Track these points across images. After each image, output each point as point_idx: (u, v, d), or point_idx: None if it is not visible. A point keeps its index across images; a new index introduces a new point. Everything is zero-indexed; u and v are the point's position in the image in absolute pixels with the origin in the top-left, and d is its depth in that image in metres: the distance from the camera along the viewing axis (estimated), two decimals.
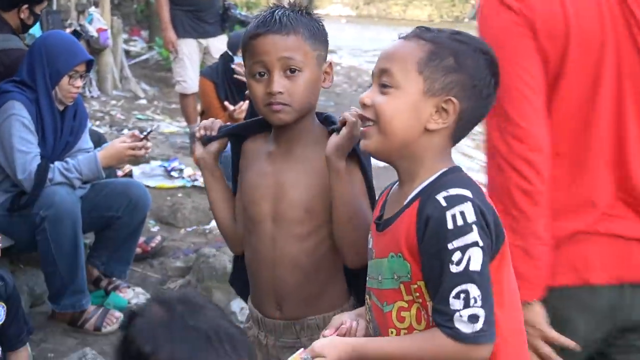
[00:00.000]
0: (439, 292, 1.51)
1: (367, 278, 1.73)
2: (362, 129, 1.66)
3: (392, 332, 1.62)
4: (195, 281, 4.06)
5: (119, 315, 3.68)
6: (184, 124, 7.19)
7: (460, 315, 1.49)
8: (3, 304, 2.57)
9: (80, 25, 7.22)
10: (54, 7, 7.08)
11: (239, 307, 3.70)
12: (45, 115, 3.53)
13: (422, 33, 1.63)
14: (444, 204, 1.51)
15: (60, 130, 3.61)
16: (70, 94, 3.59)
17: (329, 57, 2.04)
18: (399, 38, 1.66)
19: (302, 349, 1.62)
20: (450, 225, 1.49)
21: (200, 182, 5.64)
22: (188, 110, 6.72)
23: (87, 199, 3.64)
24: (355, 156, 1.95)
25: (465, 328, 1.49)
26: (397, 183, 1.71)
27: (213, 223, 5.12)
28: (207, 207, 5.26)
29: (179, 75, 6.62)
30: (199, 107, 6.83)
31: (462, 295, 1.48)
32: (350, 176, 1.93)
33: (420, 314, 1.58)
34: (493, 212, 1.55)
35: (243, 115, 5.33)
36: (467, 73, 1.58)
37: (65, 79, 3.55)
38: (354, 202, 1.92)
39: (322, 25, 2.01)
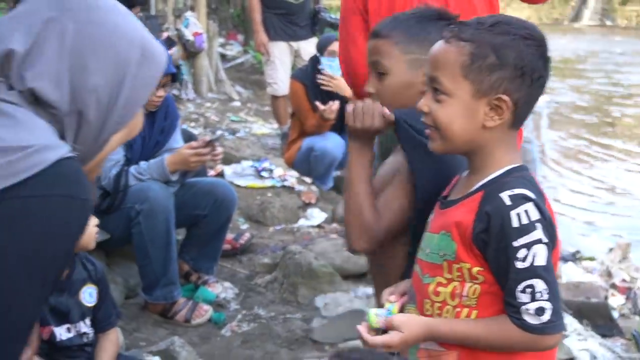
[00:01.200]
0: (506, 286, 1.58)
1: (419, 249, 1.80)
2: (427, 131, 1.71)
3: (426, 303, 1.70)
4: (281, 277, 4.15)
5: (207, 308, 3.79)
6: (276, 125, 7.32)
7: (527, 309, 1.56)
8: (95, 286, 2.71)
9: (177, 29, 7.46)
10: (152, 12, 7.35)
11: (323, 303, 3.77)
12: None
13: (460, 32, 1.64)
14: (508, 202, 1.56)
15: (149, 131, 3.76)
16: (152, 103, 3.71)
17: None
18: (441, 39, 1.68)
19: (383, 309, 1.73)
20: (515, 224, 1.54)
21: (289, 182, 5.74)
22: (279, 112, 6.83)
23: (177, 197, 3.76)
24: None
25: (532, 320, 1.56)
26: (468, 169, 1.76)
27: (300, 222, 5.22)
28: (295, 207, 5.37)
29: (270, 77, 6.74)
30: (289, 109, 6.96)
31: (529, 290, 1.55)
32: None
33: (455, 292, 1.65)
34: (550, 214, 1.60)
35: (333, 115, 5.43)
36: (511, 66, 1.60)
37: None
38: (355, 184, 1.96)
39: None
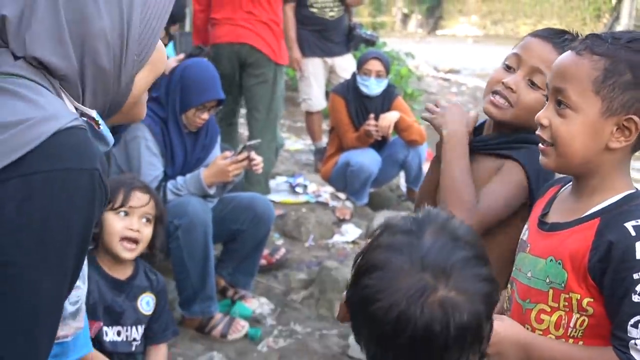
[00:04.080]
0: (617, 317, 1.51)
1: (514, 268, 1.74)
2: (541, 146, 1.64)
3: (527, 328, 1.64)
4: (317, 293, 4.14)
5: (244, 324, 3.79)
6: (309, 141, 7.32)
7: (636, 344, 1.49)
8: (154, 296, 2.73)
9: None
10: (187, 28, 7.40)
11: None
12: (173, 137, 3.71)
13: (594, 46, 1.57)
14: (633, 233, 1.49)
15: (191, 148, 3.79)
16: (195, 124, 3.74)
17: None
18: (571, 50, 1.61)
19: None
20: (639, 256, 1.47)
21: (323, 198, 5.74)
22: (313, 128, 6.84)
23: (215, 212, 3.77)
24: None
25: (639, 356, 1.49)
26: (570, 188, 1.70)
27: (336, 237, 5.20)
28: (330, 222, 5.36)
29: (304, 93, 6.75)
30: (323, 125, 6.96)
31: None
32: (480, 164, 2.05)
33: (561, 321, 1.59)
34: None
35: (377, 130, 5.51)
36: None
37: (192, 111, 3.70)
38: (455, 161, 2.01)
39: None
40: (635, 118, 1.53)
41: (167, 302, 2.86)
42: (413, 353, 1.19)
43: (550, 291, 1.59)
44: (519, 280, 1.70)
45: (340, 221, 5.46)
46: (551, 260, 1.60)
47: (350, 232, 5.28)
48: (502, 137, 2.09)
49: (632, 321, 1.48)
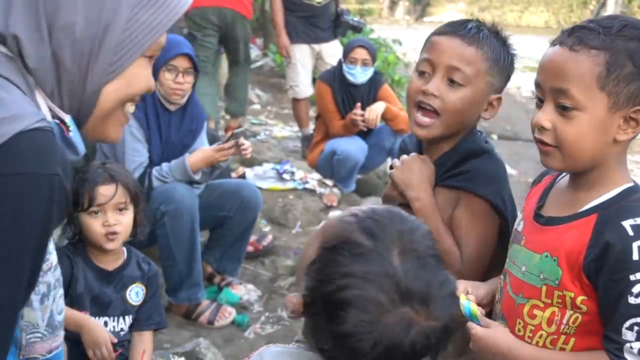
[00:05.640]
0: (612, 319, 1.47)
1: (508, 260, 1.71)
2: (541, 147, 1.58)
3: (519, 323, 1.62)
4: None
5: (231, 310, 3.79)
6: (296, 128, 7.31)
7: (631, 347, 1.45)
8: (143, 287, 2.72)
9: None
10: None
11: None
12: (150, 114, 3.64)
13: (587, 39, 1.50)
14: (631, 233, 1.45)
15: (177, 130, 3.73)
16: (172, 90, 3.62)
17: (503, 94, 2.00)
18: (561, 45, 1.53)
19: (470, 298, 1.68)
20: (636, 257, 1.44)
21: (310, 185, 5.74)
22: (300, 115, 6.82)
23: (202, 198, 3.76)
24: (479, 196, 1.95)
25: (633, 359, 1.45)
26: (567, 178, 1.65)
27: (323, 224, 5.20)
28: (317, 209, 5.36)
29: (291, 80, 6.74)
30: (310, 112, 6.95)
31: (636, 328, 1.44)
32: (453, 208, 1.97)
33: (554, 318, 1.57)
34: None
35: (362, 119, 5.50)
36: None
37: (162, 74, 3.59)
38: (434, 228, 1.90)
39: (512, 60, 1.97)
40: None
41: (158, 291, 2.84)
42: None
43: (544, 287, 1.56)
44: (513, 273, 1.67)
45: (328, 208, 5.47)
46: (546, 256, 1.56)
47: None
48: (445, 161, 2.00)
49: (627, 324, 1.44)
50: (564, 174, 1.67)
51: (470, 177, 1.95)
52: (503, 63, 1.93)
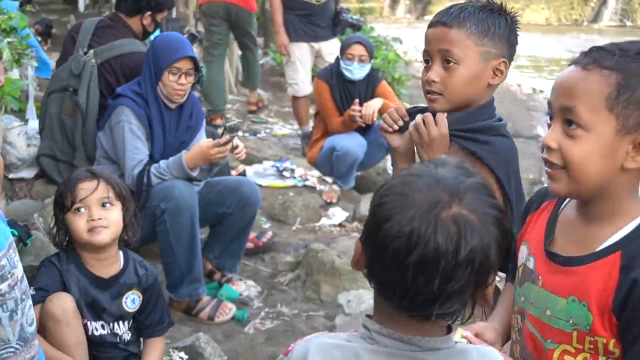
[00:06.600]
0: (628, 354, 1.43)
1: (522, 299, 1.64)
2: (548, 170, 1.51)
3: None
4: (304, 275, 4.17)
5: (231, 306, 3.82)
6: (296, 126, 7.33)
7: None
8: (140, 293, 2.69)
9: (197, 31, 7.50)
10: (174, 14, 7.39)
11: (345, 300, 3.79)
12: (153, 112, 3.69)
13: (602, 59, 1.44)
14: None
15: (175, 126, 3.77)
16: (175, 91, 3.68)
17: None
18: (575, 65, 1.48)
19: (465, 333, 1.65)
20: None
21: (310, 182, 5.77)
22: (300, 113, 6.85)
23: (201, 195, 3.78)
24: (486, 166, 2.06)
25: None
26: (575, 208, 1.58)
27: (323, 220, 5.24)
28: (317, 205, 5.39)
29: (291, 78, 6.76)
30: (310, 110, 6.98)
31: None
32: None
33: None
34: None
35: (362, 116, 5.52)
36: None
37: (166, 75, 3.65)
38: None
39: (508, 26, 2.06)
40: None
41: (161, 294, 2.81)
42: (423, 275, 1.17)
43: (575, 332, 1.49)
44: (532, 314, 1.60)
45: (328, 204, 5.50)
46: (574, 300, 1.49)
47: (337, 215, 5.32)
48: (459, 120, 2.10)
49: None
50: (566, 200, 1.60)
51: (487, 149, 2.08)
52: (495, 30, 2.04)
